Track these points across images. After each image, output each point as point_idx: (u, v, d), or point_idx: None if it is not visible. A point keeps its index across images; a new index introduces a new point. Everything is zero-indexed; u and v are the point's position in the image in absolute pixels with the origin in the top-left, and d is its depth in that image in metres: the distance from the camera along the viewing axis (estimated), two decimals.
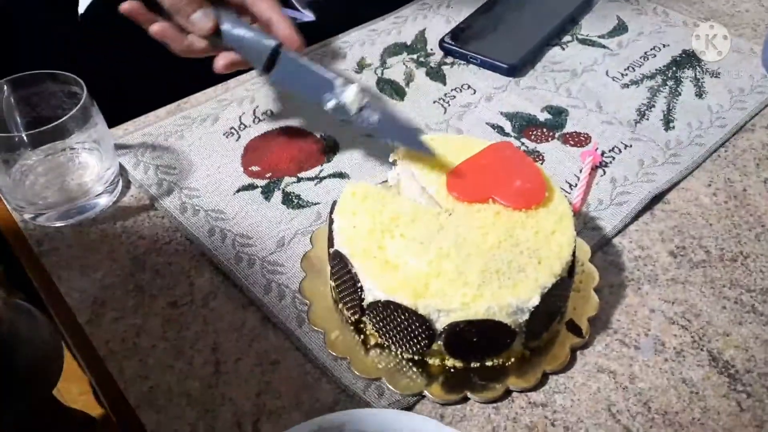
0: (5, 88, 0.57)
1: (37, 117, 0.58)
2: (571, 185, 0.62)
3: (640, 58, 0.79)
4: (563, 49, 0.80)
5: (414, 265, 0.46)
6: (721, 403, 0.47)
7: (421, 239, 0.47)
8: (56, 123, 0.53)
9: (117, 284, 0.54)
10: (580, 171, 0.63)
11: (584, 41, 0.81)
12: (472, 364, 0.48)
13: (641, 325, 0.52)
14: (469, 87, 0.74)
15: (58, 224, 0.58)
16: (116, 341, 0.50)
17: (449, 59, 0.78)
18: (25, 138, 0.54)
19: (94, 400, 0.62)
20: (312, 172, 0.63)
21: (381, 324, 0.47)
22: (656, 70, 0.77)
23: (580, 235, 0.56)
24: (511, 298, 0.45)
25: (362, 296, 0.47)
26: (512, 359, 0.49)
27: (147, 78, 0.74)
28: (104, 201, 0.59)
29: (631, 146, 0.67)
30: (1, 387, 0.37)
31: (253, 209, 0.59)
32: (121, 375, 0.48)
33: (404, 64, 0.77)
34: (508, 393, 0.48)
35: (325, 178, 0.63)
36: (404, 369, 0.48)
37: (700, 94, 0.73)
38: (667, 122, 0.70)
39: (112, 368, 0.48)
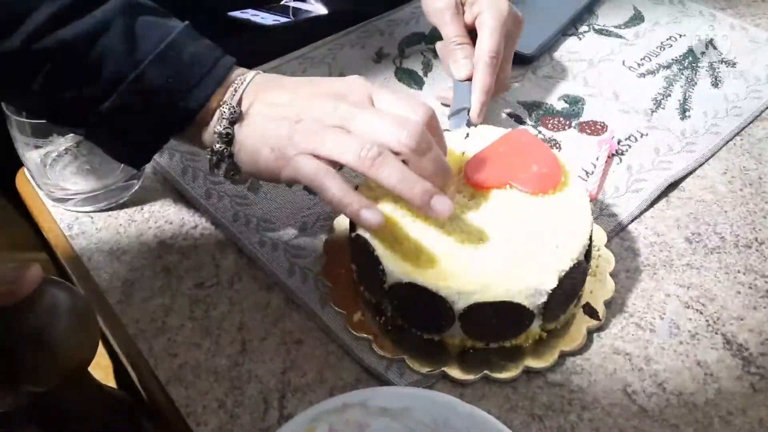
0: None
1: None
2: (587, 173, 0.63)
3: (657, 47, 0.79)
4: (580, 39, 0.81)
5: (434, 248, 0.47)
6: (734, 385, 0.48)
7: (441, 223, 0.49)
8: None
9: (145, 266, 0.55)
10: (597, 159, 0.64)
11: (601, 31, 0.82)
12: (491, 345, 0.49)
13: (657, 308, 0.53)
14: None
15: (87, 209, 0.60)
16: (145, 320, 0.52)
17: None
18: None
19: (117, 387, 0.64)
20: None
21: (402, 306, 0.49)
22: (672, 59, 0.77)
23: (596, 221, 0.57)
24: (529, 281, 0.46)
25: (383, 279, 0.48)
26: (530, 341, 0.50)
27: None
28: (131, 187, 0.61)
29: (647, 135, 0.68)
30: (42, 360, 0.38)
31: (275, 195, 0.61)
32: (150, 352, 0.50)
33: (422, 53, 0.78)
34: (525, 373, 0.49)
35: None
36: (424, 349, 0.49)
37: (716, 84, 0.74)
38: (683, 111, 0.70)
39: (142, 346, 0.50)
